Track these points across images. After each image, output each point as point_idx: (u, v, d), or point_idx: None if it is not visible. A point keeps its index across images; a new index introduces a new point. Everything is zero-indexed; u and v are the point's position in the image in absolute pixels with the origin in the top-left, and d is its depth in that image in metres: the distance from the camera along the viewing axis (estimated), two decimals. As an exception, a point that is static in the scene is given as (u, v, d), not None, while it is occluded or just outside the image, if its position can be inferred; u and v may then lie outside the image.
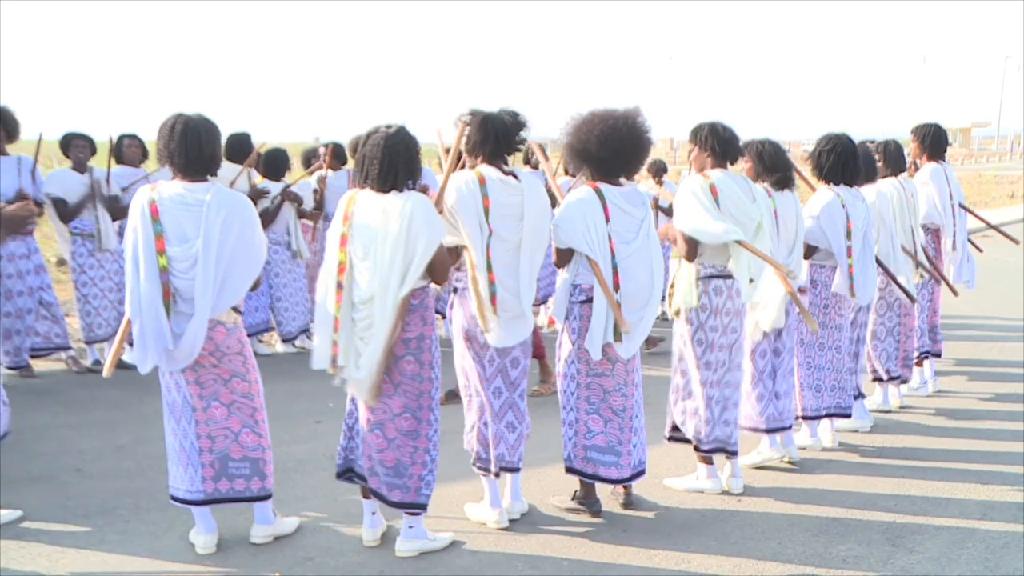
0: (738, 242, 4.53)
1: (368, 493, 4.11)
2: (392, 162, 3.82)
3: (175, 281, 3.85)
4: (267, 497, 4.14)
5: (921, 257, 6.32)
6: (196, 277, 3.81)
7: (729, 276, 4.66)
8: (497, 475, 4.37)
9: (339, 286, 3.87)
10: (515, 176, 4.20)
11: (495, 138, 4.17)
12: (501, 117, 4.20)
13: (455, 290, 4.31)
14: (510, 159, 4.33)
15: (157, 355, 3.89)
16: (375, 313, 3.82)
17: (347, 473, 4.19)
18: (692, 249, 4.62)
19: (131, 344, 4.09)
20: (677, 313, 4.76)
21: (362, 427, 4.03)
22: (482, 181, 4.13)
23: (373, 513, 4.16)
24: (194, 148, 3.84)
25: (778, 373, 5.18)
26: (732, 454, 4.84)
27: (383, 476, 4.01)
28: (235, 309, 4.01)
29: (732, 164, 4.74)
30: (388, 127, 3.89)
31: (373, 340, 3.84)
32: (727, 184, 4.59)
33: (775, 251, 4.90)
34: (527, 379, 4.41)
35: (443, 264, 3.91)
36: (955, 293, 6.77)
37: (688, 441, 4.87)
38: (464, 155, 4.27)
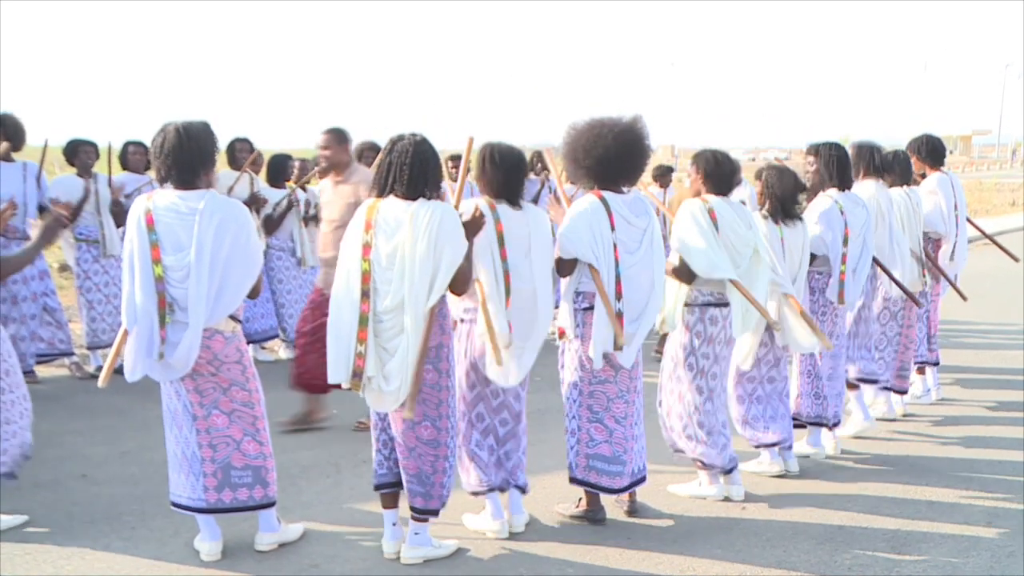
0: (731, 281, 4.58)
1: (389, 504, 4.11)
2: (422, 168, 3.83)
3: (171, 290, 3.84)
4: (270, 505, 4.13)
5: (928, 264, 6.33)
6: (190, 286, 3.80)
7: (725, 304, 4.69)
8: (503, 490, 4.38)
9: (364, 295, 3.82)
10: (520, 209, 4.23)
11: (508, 175, 4.21)
12: (516, 155, 4.24)
13: (461, 320, 4.30)
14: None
15: (144, 365, 3.89)
16: (406, 322, 3.78)
17: (392, 485, 4.12)
18: (690, 273, 4.64)
19: None
20: (664, 336, 4.78)
21: (386, 435, 4.05)
22: (492, 207, 4.16)
23: (394, 523, 4.13)
24: (177, 156, 3.83)
25: (771, 398, 5.19)
26: (728, 471, 4.86)
27: (407, 483, 4.01)
28: (233, 318, 3.99)
29: (727, 194, 4.76)
30: (413, 135, 3.89)
31: (401, 350, 3.80)
32: (725, 210, 4.64)
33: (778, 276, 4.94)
34: (524, 409, 4.45)
35: (465, 275, 3.90)
36: (964, 298, 6.76)
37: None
38: (476, 184, 4.33)
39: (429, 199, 3.84)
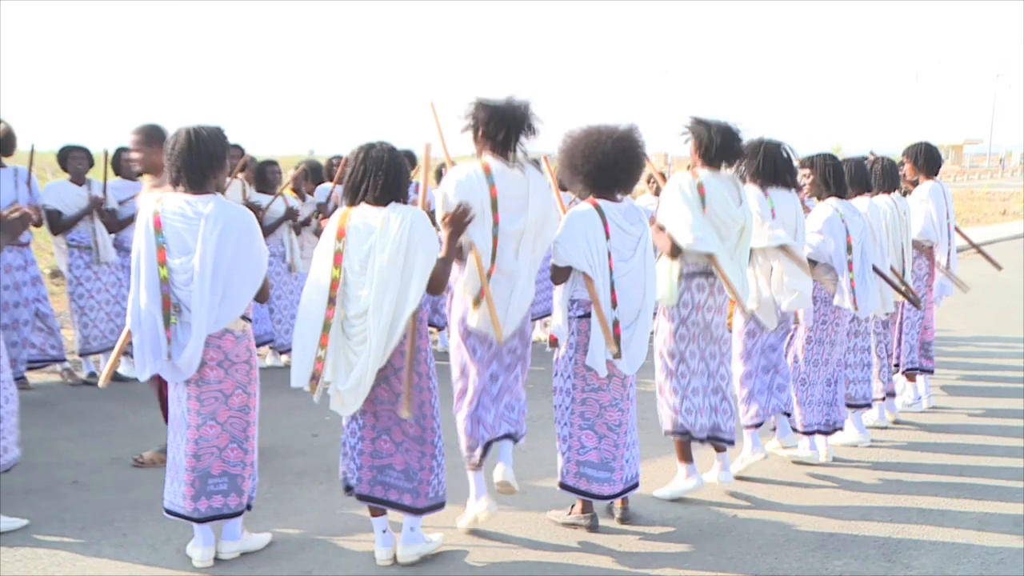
0: (708, 256, 4.59)
1: (377, 511, 4.11)
2: (396, 176, 3.89)
3: (177, 292, 3.90)
4: (242, 512, 4.12)
5: (908, 278, 6.34)
6: (193, 290, 3.85)
7: (711, 273, 4.70)
8: (484, 457, 4.36)
9: (330, 301, 3.87)
10: (521, 168, 4.23)
11: (507, 130, 4.20)
12: (514, 108, 4.22)
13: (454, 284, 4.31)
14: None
15: (154, 365, 3.93)
16: (369, 325, 3.82)
17: (351, 491, 4.13)
18: (676, 246, 4.66)
19: (128, 355, 4.05)
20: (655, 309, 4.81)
21: (363, 438, 4.03)
22: (487, 170, 4.16)
23: (384, 530, 4.13)
24: (187, 159, 3.90)
25: (779, 367, 5.24)
26: (722, 446, 4.88)
27: (393, 481, 4.02)
28: (243, 316, 4.05)
29: (725, 167, 4.76)
30: (382, 144, 3.95)
31: (365, 354, 3.85)
32: (714, 185, 4.65)
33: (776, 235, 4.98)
34: (525, 366, 4.46)
35: (440, 277, 3.95)
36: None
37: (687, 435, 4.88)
38: (474, 144, 4.32)
39: (399, 204, 3.91)
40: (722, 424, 4.84)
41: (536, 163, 5.64)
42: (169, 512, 4.09)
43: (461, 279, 4.26)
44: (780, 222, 5.02)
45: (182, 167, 3.91)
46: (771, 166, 5.03)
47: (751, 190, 4.99)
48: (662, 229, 4.70)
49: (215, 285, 3.86)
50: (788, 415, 5.31)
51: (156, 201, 3.94)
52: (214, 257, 3.84)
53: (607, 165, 4.31)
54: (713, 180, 4.66)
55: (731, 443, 4.89)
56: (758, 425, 5.24)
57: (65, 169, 7.23)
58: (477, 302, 4.20)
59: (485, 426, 4.34)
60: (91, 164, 7.30)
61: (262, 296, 4.08)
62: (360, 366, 3.86)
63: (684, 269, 4.71)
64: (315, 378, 3.90)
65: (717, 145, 4.69)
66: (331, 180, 8.57)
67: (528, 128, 4.27)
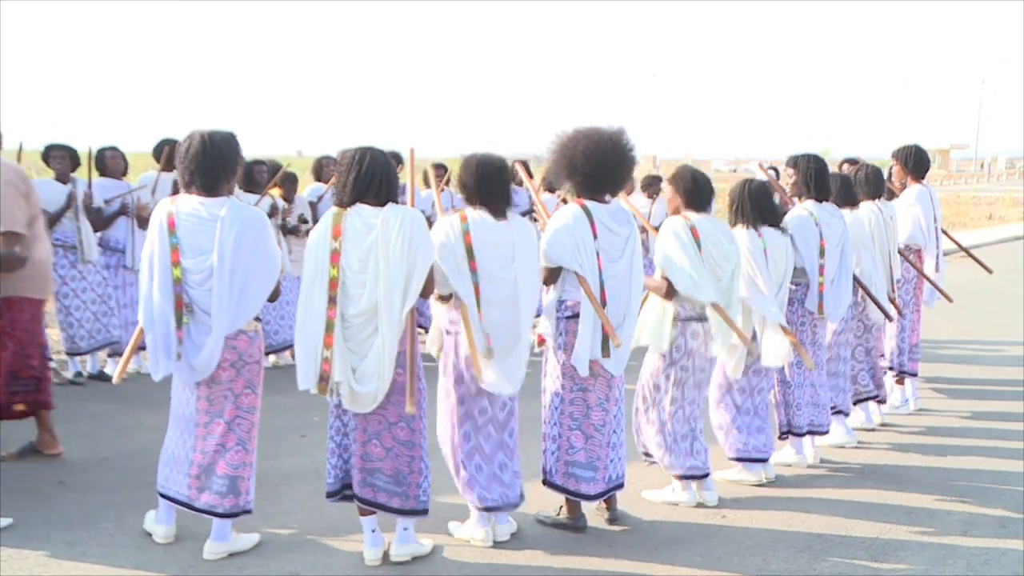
0: (713, 305, 4.65)
1: (366, 511, 4.10)
2: (391, 177, 3.94)
3: (191, 291, 3.95)
4: (237, 515, 4.12)
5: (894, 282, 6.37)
6: (212, 292, 3.90)
7: (706, 319, 4.74)
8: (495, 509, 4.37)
9: (331, 301, 3.87)
10: (504, 216, 4.24)
11: (487, 188, 4.20)
12: (494, 168, 4.23)
13: (447, 332, 4.31)
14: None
15: (167, 365, 3.98)
16: (381, 324, 3.84)
17: (341, 491, 4.13)
18: (672, 290, 4.68)
19: (116, 355, 4.08)
20: (642, 346, 4.82)
21: (355, 440, 4.04)
22: (463, 219, 4.18)
23: (373, 530, 4.13)
24: (201, 163, 3.94)
25: (759, 409, 5.25)
26: (702, 477, 4.89)
27: (383, 484, 4.03)
28: (255, 317, 4.09)
29: (705, 211, 4.82)
30: (377, 148, 3.98)
31: (375, 351, 3.86)
32: (706, 226, 4.70)
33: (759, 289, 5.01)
34: (515, 417, 4.43)
35: (431, 279, 3.98)
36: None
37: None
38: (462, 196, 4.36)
39: (395, 204, 3.94)
40: (699, 463, 4.85)
41: (525, 167, 5.64)
42: (165, 496, 4.16)
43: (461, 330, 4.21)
44: (772, 261, 5.06)
45: (196, 170, 3.95)
46: (758, 206, 5.07)
47: (742, 232, 5.02)
48: (664, 278, 4.70)
49: (232, 287, 3.92)
50: (767, 459, 5.28)
51: (170, 202, 4.00)
52: (231, 259, 3.90)
53: (609, 166, 4.34)
54: (704, 222, 4.71)
55: (707, 475, 4.89)
56: (753, 460, 5.22)
57: (49, 167, 7.18)
58: (487, 356, 4.17)
59: (479, 485, 4.31)
60: (76, 163, 7.24)
61: (274, 296, 4.12)
62: (372, 365, 3.86)
63: (680, 313, 4.72)
64: (324, 379, 3.90)
65: (700, 191, 4.77)
66: (318, 180, 8.55)
67: (505, 182, 4.28)
